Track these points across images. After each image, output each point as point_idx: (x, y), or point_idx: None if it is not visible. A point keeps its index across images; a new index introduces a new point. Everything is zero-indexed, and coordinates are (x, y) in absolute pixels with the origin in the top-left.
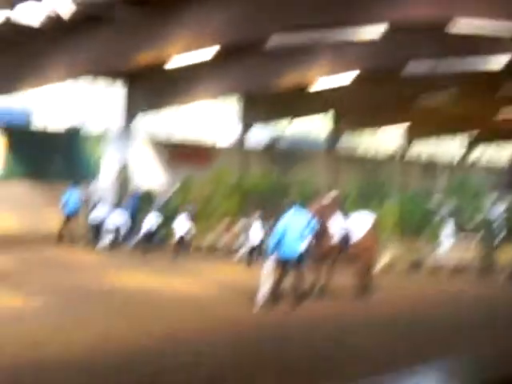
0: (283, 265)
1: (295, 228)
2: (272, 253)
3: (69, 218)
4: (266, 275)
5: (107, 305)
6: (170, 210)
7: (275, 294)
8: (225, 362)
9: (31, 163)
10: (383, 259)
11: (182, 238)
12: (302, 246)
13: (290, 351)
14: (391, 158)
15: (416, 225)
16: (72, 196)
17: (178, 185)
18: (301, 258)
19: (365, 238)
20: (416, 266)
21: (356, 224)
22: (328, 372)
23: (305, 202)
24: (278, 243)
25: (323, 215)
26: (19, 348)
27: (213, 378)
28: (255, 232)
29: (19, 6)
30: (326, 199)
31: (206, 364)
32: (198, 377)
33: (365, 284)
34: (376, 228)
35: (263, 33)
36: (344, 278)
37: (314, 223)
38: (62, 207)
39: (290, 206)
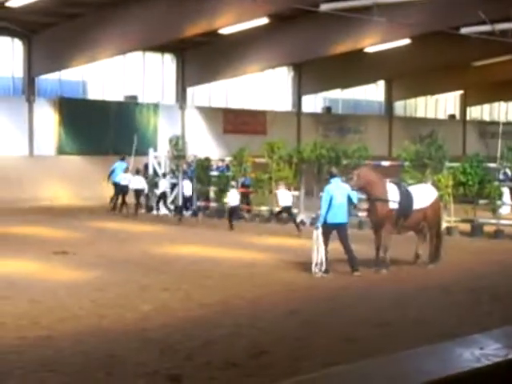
0: (329, 231)
1: (340, 196)
2: (322, 221)
3: (120, 189)
4: (316, 243)
5: (162, 275)
6: (224, 180)
7: (326, 261)
8: (281, 329)
9: (85, 135)
10: (444, 222)
11: (235, 207)
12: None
13: (351, 316)
14: (448, 121)
15: (475, 188)
16: (119, 168)
17: (232, 155)
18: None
19: (430, 206)
20: (476, 229)
21: (419, 193)
22: (388, 338)
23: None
24: (327, 211)
25: (369, 183)
26: (79, 317)
27: (266, 346)
28: (285, 197)
29: None
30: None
31: (262, 332)
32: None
33: (433, 252)
34: (438, 199)
35: (313, 0)
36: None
37: (356, 191)
38: (108, 179)
39: (333, 176)
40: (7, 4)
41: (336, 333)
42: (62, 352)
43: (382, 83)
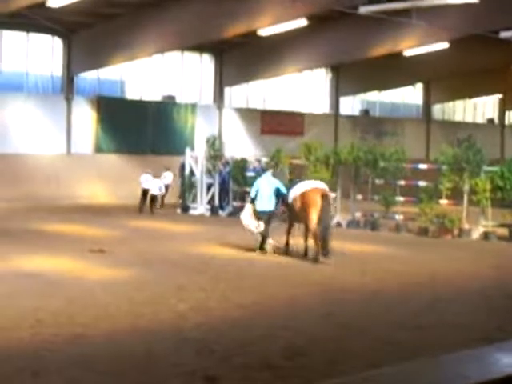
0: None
1: (267, 188)
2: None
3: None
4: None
5: (202, 275)
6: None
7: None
8: (317, 331)
9: (123, 134)
10: (481, 227)
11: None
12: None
13: (387, 319)
14: (487, 125)
15: None
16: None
17: (269, 155)
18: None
19: (295, 200)
20: None
21: (296, 188)
22: (426, 341)
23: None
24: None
25: None
26: (115, 316)
27: (302, 348)
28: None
29: None
30: None
31: (298, 334)
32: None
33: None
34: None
35: (352, 3)
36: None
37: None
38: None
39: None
40: (48, 4)
41: (372, 336)
42: (97, 350)
43: (419, 86)
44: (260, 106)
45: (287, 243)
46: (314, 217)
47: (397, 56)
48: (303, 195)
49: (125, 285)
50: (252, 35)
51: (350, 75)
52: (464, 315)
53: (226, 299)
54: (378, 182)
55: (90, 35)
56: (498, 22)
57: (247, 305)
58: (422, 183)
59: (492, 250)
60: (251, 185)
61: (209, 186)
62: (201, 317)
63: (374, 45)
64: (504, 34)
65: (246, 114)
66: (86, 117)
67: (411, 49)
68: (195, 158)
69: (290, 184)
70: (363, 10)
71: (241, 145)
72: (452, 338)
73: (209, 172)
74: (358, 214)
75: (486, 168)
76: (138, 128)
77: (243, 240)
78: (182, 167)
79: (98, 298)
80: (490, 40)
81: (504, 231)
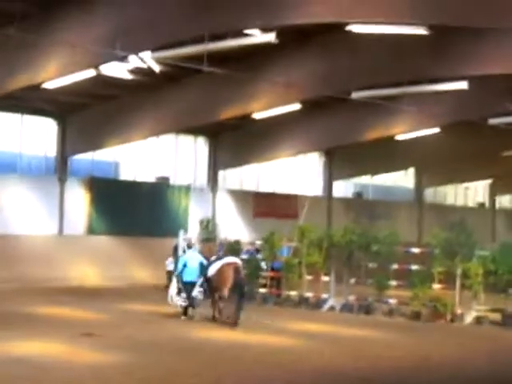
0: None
1: (193, 262)
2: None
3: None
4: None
5: (194, 359)
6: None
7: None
8: None
9: (116, 215)
10: (474, 311)
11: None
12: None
13: None
14: (478, 209)
15: (507, 276)
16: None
17: (262, 238)
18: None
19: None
20: (507, 319)
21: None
22: None
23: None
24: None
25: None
26: None
27: None
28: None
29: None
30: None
31: None
32: None
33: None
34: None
35: (345, 88)
36: None
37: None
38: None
39: (189, 247)
40: (43, 85)
41: None
42: None
43: (411, 170)
44: (254, 188)
45: (214, 315)
46: (226, 288)
47: (389, 140)
48: (219, 270)
49: (114, 369)
50: (246, 119)
51: (343, 159)
52: None
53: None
54: (371, 265)
55: (85, 117)
56: (486, 109)
57: None
58: (414, 267)
59: (485, 335)
60: (245, 268)
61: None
62: None
63: (367, 129)
64: (492, 121)
65: (240, 196)
66: (79, 198)
67: (403, 134)
68: (188, 241)
69: (210, 261)
70: (355, 95)
71: (234, 227)
72: None
73: (202, 254)
74: (351, 298)
75: (478, 252)
76: (131, 209)
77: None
78: (175, 249)
79: (86, 382)
80: (479, 126)
81: (497, 316)
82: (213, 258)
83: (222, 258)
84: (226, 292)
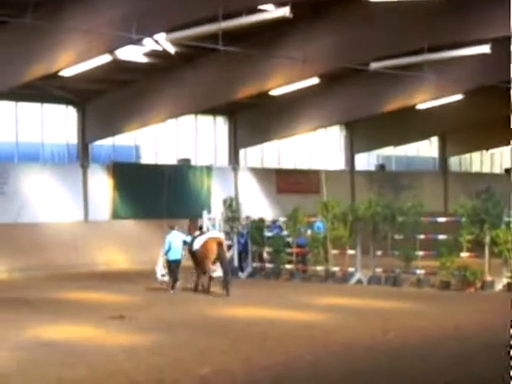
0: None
1: (177, 242)
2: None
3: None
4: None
5: (224, 337)
6: (279, 240)
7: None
8: None
9: (139, 199)
10: (504, 278)
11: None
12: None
13: (414, 378)
14: (505, 175)
15: None
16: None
17: (286, 215)
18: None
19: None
20: None
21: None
22: None
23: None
24: (168, 251)
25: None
26: (137, 382)
27: None
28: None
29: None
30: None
31: None
32: None
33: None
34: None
35: (363, 60)
36: None
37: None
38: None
39: (172, 228)
40: (61, 73)
41: None
42: None
43: (435, 139)
44: (275, 166)
45: (196, 286)
46: (209, 261)
47: (410, 110)
48: (203, 244)
49: (146, 350)
50: (264, 96)
51: (365, 131)
52: (491, 369)
53: (250, 361)
54: (396, 236)
55: (104, 103)
56: (509, 72)
57: (271, 366)
58: (441, 236)
59: None
60: (270, 245)
61: (227, 248)
62: (223, 380)
63: (387, 100)
64: None
65: (262, 174)
66: (102, 183)
67: (425, 102)
68: (213, 221)
69: (194, 236)
70: (374, 66)
71: (257, 205)
72: None
73: (227, 234)
74: (378, 270)
75: (506, 219)
76: (154, 192)
77: (263, 301)
78: (200, 230)
79: (120, 364)
80: (503, 90)
81: None
82: (196, 233)
83: (205, 233)
84: (209, 265)
